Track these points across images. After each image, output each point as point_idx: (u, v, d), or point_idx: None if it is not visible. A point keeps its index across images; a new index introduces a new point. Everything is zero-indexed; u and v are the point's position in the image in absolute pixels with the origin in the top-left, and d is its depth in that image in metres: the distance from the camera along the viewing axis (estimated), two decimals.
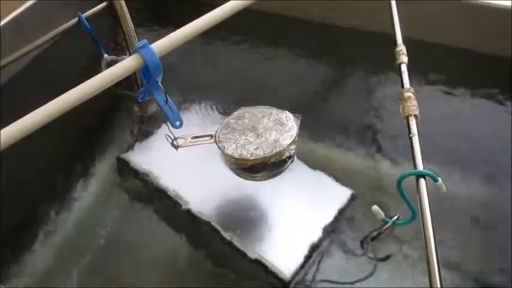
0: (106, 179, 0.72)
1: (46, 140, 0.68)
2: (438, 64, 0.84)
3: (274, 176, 0.58)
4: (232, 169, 0.58)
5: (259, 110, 0.61)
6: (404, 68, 0.57)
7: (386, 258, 0.59)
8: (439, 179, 0.45)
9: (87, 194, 0.69)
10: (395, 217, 0.54)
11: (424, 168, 0.45)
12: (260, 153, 0.55)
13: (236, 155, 0.55)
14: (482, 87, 0.80)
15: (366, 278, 0.57)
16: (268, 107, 0.61)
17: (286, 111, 0.60)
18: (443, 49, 0.85)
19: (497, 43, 0.81)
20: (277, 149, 0.55)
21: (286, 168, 0.58)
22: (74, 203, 0.68)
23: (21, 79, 0.82)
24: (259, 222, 0.63)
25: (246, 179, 0.59)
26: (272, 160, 0.55)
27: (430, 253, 0.39)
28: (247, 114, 0.60)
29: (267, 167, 0.57)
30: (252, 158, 0.55)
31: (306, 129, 0.63)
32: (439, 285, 0.37)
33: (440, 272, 0.38)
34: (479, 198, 0.66)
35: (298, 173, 0.66)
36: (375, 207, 0.54)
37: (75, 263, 0.61)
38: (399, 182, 0.46)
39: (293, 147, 0.56)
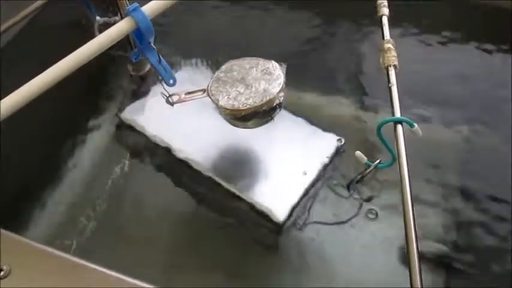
0: (105, 138, 0.75)
1: (42, 104, 0.70)
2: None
3: (266, 122, 0.61)
4: (226, 119, 0.62)
5: (246, 62, 0.63)
6: (385, 20, 0.59)
7: (370, 199, 0.64)
8: (415, 125, 0.49)
9: (88, 152, 0.73)
10: (377, 161, 0.58)
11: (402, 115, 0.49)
12: (252, 102, 0.58)
13: (229, 107, 0.59)
14: (482, 38, 0.82)
15: (352, 217, 0.62)
16: (254, 58, 0.63)
17: (273, 61, 0.62)
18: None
19: None
20: (268, 98, 0.58)
21: (276, 114, 0.61)
22: (75, 162, 0.71)
23: (14, 45, 0.83)
24: (253, 169, 0.67)
25: (239, 127, 0.62)
26: (264, 108, 0.58)
27: (405, 192, 0.43)
28: (236, 66, 0.63)
29: (258, 115, 0.60)
30: (245, 108, 0.58)
31: (292, 79, 0.65)
32: (412, 225, 0.41)
33: (413, 205, 0.42)
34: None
35: (286, 121, 0.70)
36: (358, 153, 0.58)
37: (81, 216, 0.65)
38: (379, 128, 0.49)
39: (282, 94, 0.59)
